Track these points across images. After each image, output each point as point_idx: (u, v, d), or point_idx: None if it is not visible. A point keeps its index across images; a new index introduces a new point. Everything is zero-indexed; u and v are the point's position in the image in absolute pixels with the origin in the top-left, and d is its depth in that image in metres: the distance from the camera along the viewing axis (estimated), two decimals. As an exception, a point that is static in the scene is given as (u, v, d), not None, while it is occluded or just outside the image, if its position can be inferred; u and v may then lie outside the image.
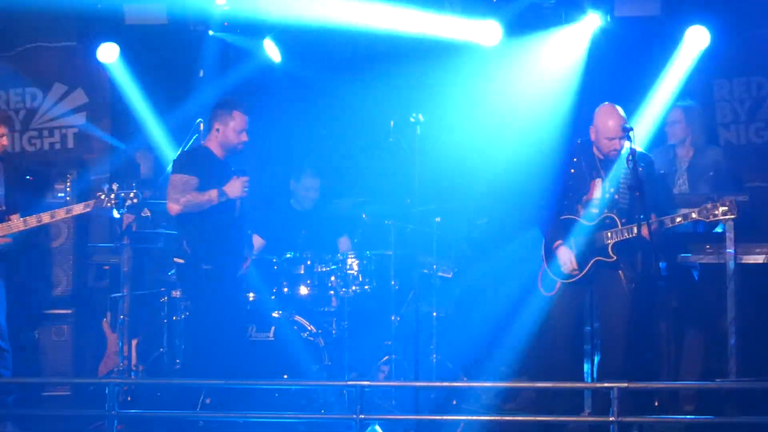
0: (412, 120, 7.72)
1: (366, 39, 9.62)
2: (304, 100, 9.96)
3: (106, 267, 9.35)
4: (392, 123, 7.92)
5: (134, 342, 8.83)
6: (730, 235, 7.90)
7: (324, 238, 8.99)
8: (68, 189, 9.30)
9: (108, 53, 9.59)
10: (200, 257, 7.55)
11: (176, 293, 8.56)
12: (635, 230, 7.27)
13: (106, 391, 7.19)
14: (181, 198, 7.55)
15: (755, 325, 8.39)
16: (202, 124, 8.78)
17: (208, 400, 8.09)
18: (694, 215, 7.26)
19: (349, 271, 8.32)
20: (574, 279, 7.46)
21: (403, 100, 9.14)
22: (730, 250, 7.90)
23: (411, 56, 9.61)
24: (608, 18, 9.28)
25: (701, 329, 8.29)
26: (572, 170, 7.58)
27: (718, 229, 7.91)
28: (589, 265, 7.42)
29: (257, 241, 9.05)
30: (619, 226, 7.37)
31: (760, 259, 8.00)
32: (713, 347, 8.28)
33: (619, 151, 7.44)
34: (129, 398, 8.26)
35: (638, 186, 7.25)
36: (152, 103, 9.85)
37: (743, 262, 7.99)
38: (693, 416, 7.67)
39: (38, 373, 8.89)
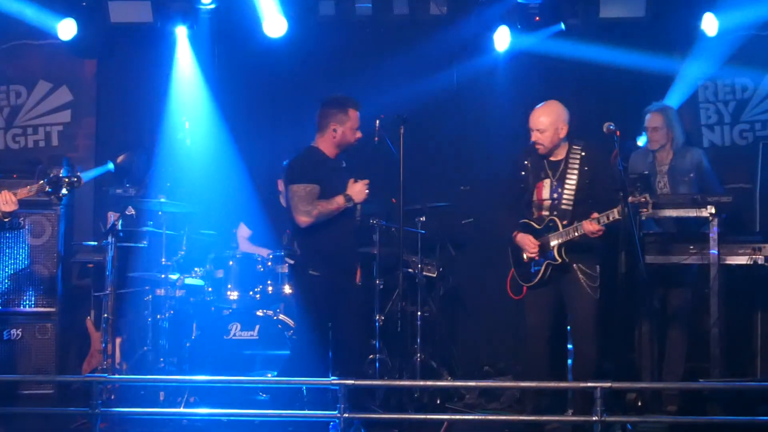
0: (398, 118, 7.73)
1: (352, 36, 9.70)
2: (292, 96, 9.96)
3: (90, 265, 9.33)
4: (377, 122, 7.91)
5: (118, 340, 8.81)
6: (713, 236, 7.93)
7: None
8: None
9: (66, 30, 9.50)
10: (308, 263, 7.42)
11: (160, 291, 8.55)
12: (577, 231, 7.30)
13: (91, 390, 7.16)
14: (312, 210, 7.38)
15: (738, 325, 8.43)
16: (187, 123, 8.77)
17: (192, 399, 8.10)
18: (616, 215, 7.21)
19: (334, 270, 8.31)
20: (533, 283, 7.49)
21: (388, 99, 9.13)
22: (714, 251, 7.94)
23: (398, 54, 9.65)
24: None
25: (684, 329, 8.33)
26: (522, 173, 7.61)
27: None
28: (542, 268, 7.46)
29: (244, 230, 9.06)
30: (560, 229, 7.40)
31: (743, 260, 8.03)
32: (696, 347, 8.32)
33: (549, 147, 7.47)
34: (113, 397, 8.24)
35: (581, 186, 7.33)
36: (139, 102, 9.85)
37: (726, 262, 8.02)
38: (676, 416, 7.69)
39: (21, 371, 8.86)
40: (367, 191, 7.45)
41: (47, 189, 7.50)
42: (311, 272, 7.37)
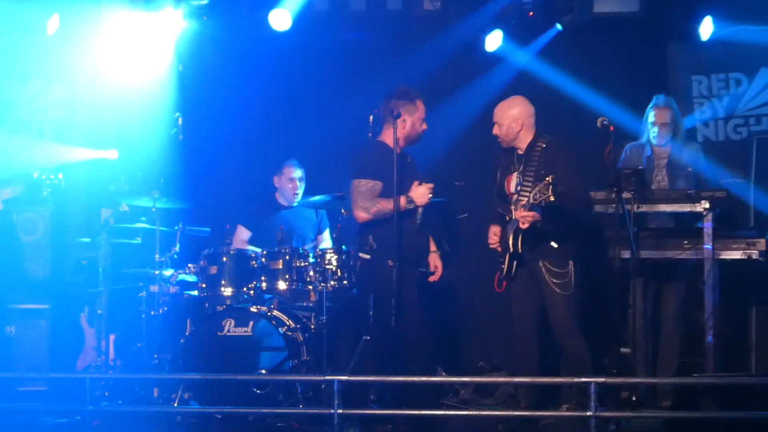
0: (393, 114, 7.70)
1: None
2: (285, 92, 9.95)
3: (84, 262, 9.29)
4: (371, 118, 7.89)
5: (112, 337, 8.80)
6: (708, 231, 7.93)
7: (303, 232, 8.98)
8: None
9: (51, 25, 9.48)
10: (387, 254, 7.49)
11: (154, 288, 8.53)
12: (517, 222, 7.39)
13: (84, 386, 7.15)
14: (371, 207, 7.50)
15: (732, 320, 8.43)
16: (180, 119, 8.74)
17: (186, 395, 8.08)
18: (531, 200, 7.26)
19: (327, 266, 8.28)
20: (503, 274, 7.60)
21: (381, 94, 9.12)
22: (708, 245, 7.93)
23: (391, 49, 9.66)
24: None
25: (678, 324, 8.33)
26: (498, 168, 7.79)
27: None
28: (506, 261, 7.56)
29: (243, 233, 9.05)
30: (513, 218, 7.50)
31: (737, 254, 8.03)
32: (690, 342, 8.32)
33: (506, 141, 7.63)
34: (106, 393, 8.23)
35: (538, 179, 7.36)
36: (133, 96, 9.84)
37: (721, 257, 8.01)
38: (670, 411, 7.68)
39: (14, 368, 8.83)
40: (430, 195, 7.54)
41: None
42: (390, 263, 7.44)
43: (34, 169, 8.87)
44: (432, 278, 7.99)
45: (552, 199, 7.06)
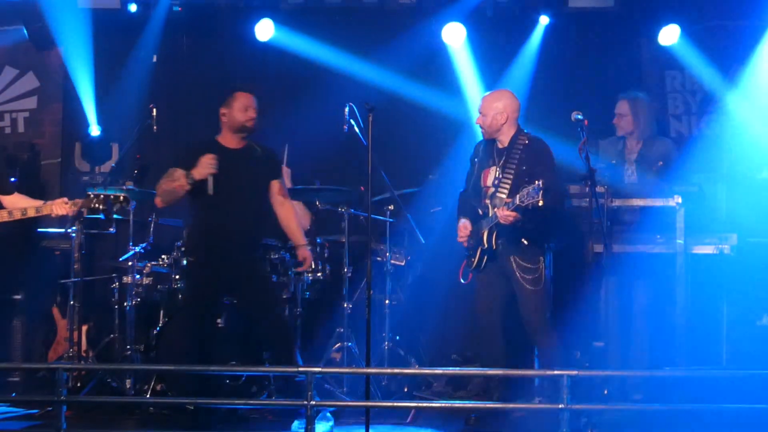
0: (366, 106, 7.70)
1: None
2: (261, 87, 9.91)
3: (57, 252, 9.27)
4: (346, 110, 7.89)
5: (84, 328, 8.76)
6: (680, 225, 7.98)
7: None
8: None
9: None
10: (186, 250, 7.58)
11: (127, 279, 8.50)
12: (495, 219, 7.35)
13: (56, 377, 7.12)
14: (158, 189, 7.45)
15: (703, 314, 8.49)
16: (155, 110, 8.72)
17: (159, 387, 8.07)
18: (518, 201, 7.20)
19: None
20: (472, 267, 7.61)
21: (357, 87, 9.13)
22: (680, 240, 7.98)
23: (367, 42, 9.66)
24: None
25: (650, 318, 8.38)
26: (475, 160, 7.73)
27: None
28: (477, 255, 7.55)
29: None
30: (490, 214, 7.47)
31: (709, 249, 8.09)
32: (662, 336, 8.37)
33: (488, 132, 7.59)
34: (79, 384, 8.21)
35: (518, 175, 7.36)
36: (104, 89, 9.81)
37: (693, 252, 8.07)
38: (642, 404, 7.73)
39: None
40: (212, 165, 7.29)
41: (96, 206, 7.48)
42: (188, 259, 7.57)
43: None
44: (301, 269, 7.88)
45: (541, 203, 7.04)
